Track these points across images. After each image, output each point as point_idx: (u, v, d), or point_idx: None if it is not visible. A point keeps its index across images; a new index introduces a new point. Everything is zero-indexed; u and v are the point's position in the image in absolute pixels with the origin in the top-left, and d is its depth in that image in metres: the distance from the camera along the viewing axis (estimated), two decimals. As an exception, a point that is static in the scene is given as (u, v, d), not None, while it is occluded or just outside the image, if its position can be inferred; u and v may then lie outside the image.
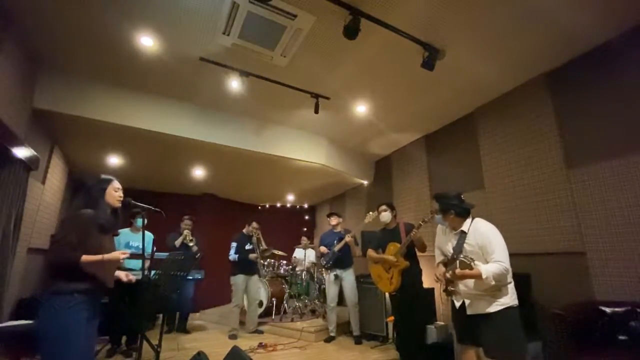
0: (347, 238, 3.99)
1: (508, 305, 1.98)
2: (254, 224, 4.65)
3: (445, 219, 2.20)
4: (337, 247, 4.05)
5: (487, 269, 1.90)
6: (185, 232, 4.56)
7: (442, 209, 2.20)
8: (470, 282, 2.04)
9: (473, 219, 2.16)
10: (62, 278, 1.62)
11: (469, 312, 2.06)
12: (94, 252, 1.70)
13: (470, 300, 2.07)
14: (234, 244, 4.48)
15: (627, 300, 2.32)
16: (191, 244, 4.52)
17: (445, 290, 2.15)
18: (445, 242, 2.26)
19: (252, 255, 4.46)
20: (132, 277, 1.93)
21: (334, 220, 4.36)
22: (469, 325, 2.07)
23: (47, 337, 1.57)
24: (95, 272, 1.70)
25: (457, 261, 1.96)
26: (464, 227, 2.12)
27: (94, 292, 1.72)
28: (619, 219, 2.55)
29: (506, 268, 1.92)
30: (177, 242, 4.49)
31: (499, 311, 1.96)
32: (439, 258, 2.35)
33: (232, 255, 4.43)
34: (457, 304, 2.14)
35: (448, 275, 2.03)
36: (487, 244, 1.99)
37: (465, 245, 2.08)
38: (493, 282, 1.89)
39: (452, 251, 2.13)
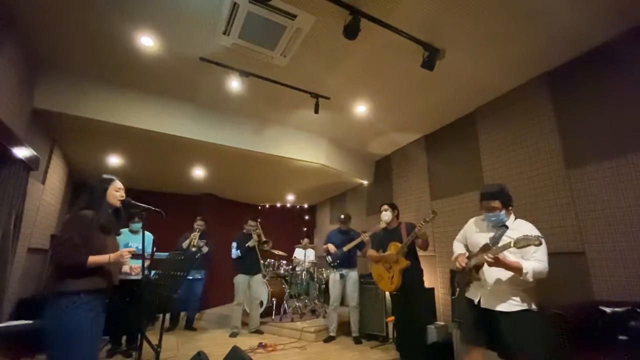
0: (364, 237, 3.91)
1: (528, 308, 1.94)
2: (250, 222, 4.67)
3: (507, 213, 2.10)
4: (347, 247, 4.04)
5: (529, 265, 1.85)
6: (192, 235, 4.58)
7: (506, 203, 2.10)
8: (496, 275, 2.00)
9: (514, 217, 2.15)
10: (68, 278, 1.63)
11: (483, 305, 2.02)
12: (97, 252, 1.71)
13: (488, 294, 2.03)
14: (234, 243, 4.55)
15: (627, 300, 2.31)
16: (201, 245, 4.54)
17: (464, 279, 2.15)
18: (479, 234, 2.21)
19: (250, 242, 4.48)
20: (136, 267, 1.93)
21: (344, 226, 4.37)
22: (482, 324, 2.03)
23: (54, 337, 1.58)
24: (101, 272, 1.71)
25: (509, 243, 1.87)
26: (508, 222, 2.10)
27: (100, 291, 1.72)
28: (619, 219, 2.54)
29: (546, 268, 1.89)
30: (184, 245, 4.56)
31: (518, 312, 1.92)
32: (460, 249, 2.33)
33: (234, 252, 4.50)
34: (476, 299, 2.09)
35: (489, 257, 1.88)
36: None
37: (504, 237, 2.02)
38: (531, 280, 1.84)
39: (487, 241, 2.07)
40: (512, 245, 1.81)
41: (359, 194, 6.33)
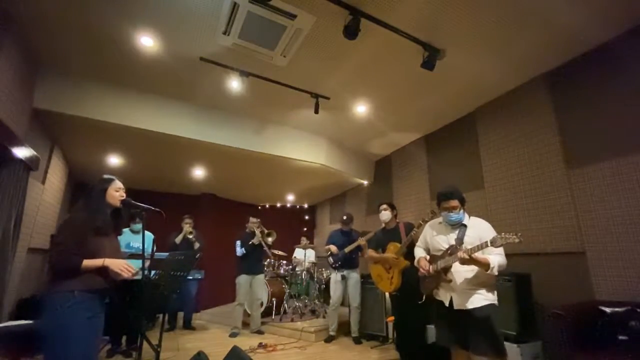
0: (361, 241, 3.91)
1: (494, 302, 2.03)
2: (252, 219, 4.65)
3: (464, 211, 2.19)
4: (348, 249, 4.01)
5: (494, 260, 1.91)
6: (186, 227, 4.63)
7: (462, 202, 2.18)
8: (464, 275, 2.05)
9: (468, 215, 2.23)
10: (63, 278, 1.62)
11: (456, 306, 2.05)
12: (92, 254, 1.70)
13: (458, 295, 2.06)
14: (238, 242, 4.53)
15: (627, 300, 2.32)
16: (191, 236, 4.60)
17: (432, 283, 2.19)
18: (438, 236, 2.25)
19: (254, 240, 4.45)
20: (133, 269, 1.91)
21: (345, 227, 4.32)
22: (456, 323, 2.07)
23: (50, 336, 1.57)
24: (97, 272, 1.70)
25: (469, 248, 1.94)
26: (464, 221, 2.17)
27: (97, 290, 1.72)
28: (619, 219, 2.55)
29: (506, 260, 1.96)
30: (178, 239, 4.58)
31: (485, 306, 1.99)
32: (421, 253, 2.38)
33: (239, 250, 4.46)
34: (447, 301, 2.12)
35: (465, 255, 1.91)
36: (489, 237, 1.96)
37: (465, 237, 2.10)
38: (496, 273, 1.92)
39: (452, 243, 2.13)
40: (489, 244, 1.86)
41: (358, 194, 6.33)
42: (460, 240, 2.10)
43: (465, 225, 2.15)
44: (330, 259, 4.17)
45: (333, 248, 4.17)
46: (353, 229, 4.35)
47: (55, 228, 4.34)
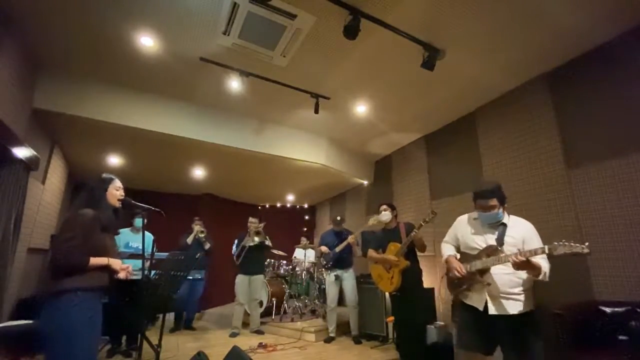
0: (351, 239, 3.97)
1: (533, 309, 1.91)
2: (250, 219, 4.67)
3: (504, 210, 2.00)
4: (338, 248, 4.05)
5: (546, 265, 1.75)
6: (196, 228, 4.74)
7: (502, 201, 1.98)
8: (506, 278, 1.90)
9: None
10: (65, 277, 1.62)
11: (495, 311, 1.88)
12: (96, 252, 1.70)
13: (499, 299, 1.88)
14: (235, 241, 4.62)
15: (627, 300, 2.31)
16: (202, 235, 4.74)
17: (463, 285, 2.03)
18: (473, 235, 2.08)
19: (245, 242, 4.49)
20: (130, 268, 1.91)
21: (337, 227, 4.35)
22: (487, 329, 1.92)
23: (52, 336, 1.57)
24: (98, 269, 1.71)
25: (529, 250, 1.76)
26: (504, 220, 2.00)
27: (98, 288, 1.72)
28: (619, 219, 2.54)
29: (549, 264, 1.83)
30: (189, 240, 4.69)
31: (527, 313, 1.86)
32: (450, 251, 2.21)
33: (233, 249, 4.58)
34: (481, 306, 1.94)
35: (519, 258, 1.73)
36: (533, 239, 1.85)
37: (506, 238, 1.93)
38: (547, 279, 1.77)
39: (490, 243, 1.97)
40: (546, 251, 1.70)
41: (358, 194, 6.33)
42: (500, 241, 1.92)
43: (504, 224, 1.97)
44: (323, 260, 4.20)
45: (324, 249, 4.23)
46: (345, 228, 4.39)
47: (55, 228, 4.34)
